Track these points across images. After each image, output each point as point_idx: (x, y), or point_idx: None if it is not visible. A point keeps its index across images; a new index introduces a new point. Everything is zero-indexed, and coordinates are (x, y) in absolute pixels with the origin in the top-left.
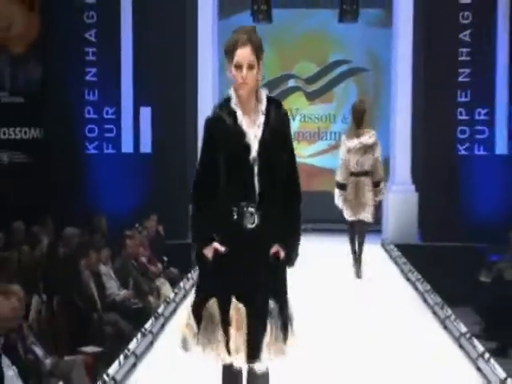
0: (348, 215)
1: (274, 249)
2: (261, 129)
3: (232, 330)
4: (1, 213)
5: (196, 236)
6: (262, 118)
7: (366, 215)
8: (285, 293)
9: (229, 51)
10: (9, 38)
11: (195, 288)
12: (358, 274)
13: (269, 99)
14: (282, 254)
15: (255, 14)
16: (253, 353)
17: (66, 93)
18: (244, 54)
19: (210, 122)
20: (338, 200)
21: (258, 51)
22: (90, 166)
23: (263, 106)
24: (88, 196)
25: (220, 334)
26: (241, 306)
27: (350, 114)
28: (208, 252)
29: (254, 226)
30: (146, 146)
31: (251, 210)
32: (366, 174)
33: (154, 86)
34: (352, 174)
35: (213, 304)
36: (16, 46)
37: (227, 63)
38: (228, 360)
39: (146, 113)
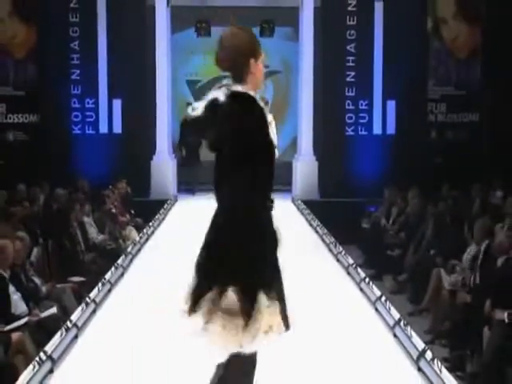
0: None
1: None
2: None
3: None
4: (8, 177)
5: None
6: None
7: None
8: None
9: (258, 49)
10: (13, 45)
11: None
12: None
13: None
14: None
15: (198, 31)
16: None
17: (56, 88)
18: None
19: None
20: None
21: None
22: (76, 143)
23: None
24: (74, 165)
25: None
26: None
27: None
28: None
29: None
30: (117, 128)
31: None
32: None
33: (124, 83)
34: None
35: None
36: (18, 52)
37: (253, 61)
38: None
39: (117, 103)
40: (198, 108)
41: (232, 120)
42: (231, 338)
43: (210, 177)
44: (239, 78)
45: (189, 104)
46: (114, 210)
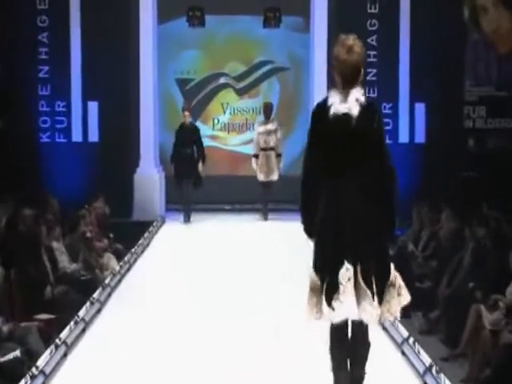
0: (261, 177)
1: None
2: None
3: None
4: None
5: None
6: None
7: (274, 177)
8: None
9: None
10: None
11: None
12: (266, 217)
13: None
14: None
15: (190, 20)
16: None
17: (20, 88)
18: None
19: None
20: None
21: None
22: (44, 153)
23: None
24: (42, 180)
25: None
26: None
27: (262, 111)
28: None
29: None
30: (93, 136)
31: None
32: (272, 149)
33: (101, 82)
34: (261, 148)
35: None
36: None
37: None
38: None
39: (93, 106)
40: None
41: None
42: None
43: (211, 194)
44: (358, 81)
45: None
46: (89, 234)
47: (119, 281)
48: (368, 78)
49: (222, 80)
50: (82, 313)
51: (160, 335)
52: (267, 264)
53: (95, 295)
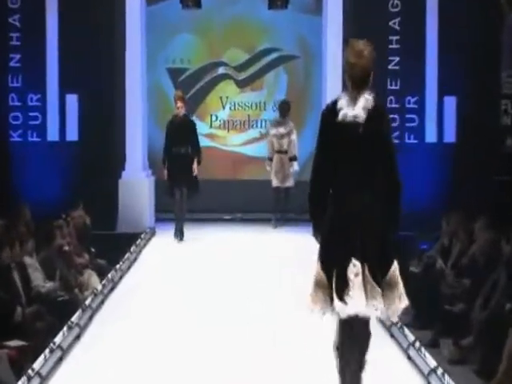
0: (274, 183)
1: None
2: None
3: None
4: None
5: None
6: None
7: (289, 183)
8: None
9: None
10: None
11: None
12: (276, 226)
13: None
14: None
15: (184, 1)
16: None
17: None
18: None
19: None
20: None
21: None
22: (15, 154)
23: None
24: (12, 185)
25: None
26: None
27: (277, 109)
28: None
29: None
30: (72, 134)
31: None
32: (285, 152)
33: (81, 72)
34: (276, 151)
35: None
36: None
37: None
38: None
39: (72, 100)
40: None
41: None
42: None
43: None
44: (367, 84)
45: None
46: (67, 248)
47: (102, 302)
48: (390, 67)
49: (221, 70)
50: (58, 339)
51: (148, 366)
52: (270, 284)
53: (74, 318)
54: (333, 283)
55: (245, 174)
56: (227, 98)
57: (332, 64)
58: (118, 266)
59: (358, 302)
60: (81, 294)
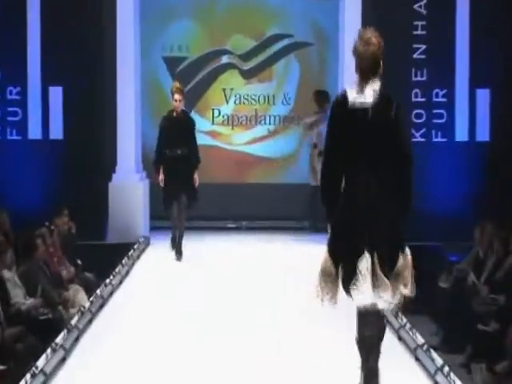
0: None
1: None
2: None
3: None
4: None
5: None
6: None
7: None
8: None
9: None
10: None
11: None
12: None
13: None
14: None
15: None
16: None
17: None
18: None
19: None
20: None
21: None
22: None
23: None
24: None
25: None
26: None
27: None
28: None
29: None
30: (56, 132)
31: None
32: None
33: (66, 62)
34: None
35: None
36: None
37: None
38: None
39: (56, 93)
40: None
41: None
42: None
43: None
44: (377, 73)
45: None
46: (50, 260)
47: (89, 321)
48: (414, 56)
49: (224, 59)
50: (41, 362)
51: None
52: (281, 310)
53: (58, 340)
54: (339, 273)
55: (251, 176)
56: (231, 90)
57: (350, 52)
58: (107, 281)
59: (364, 294)
60: (66, 312)
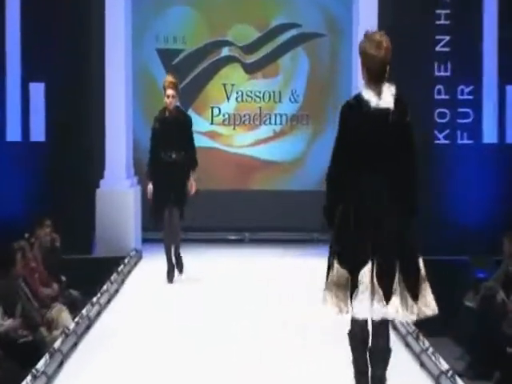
0: None
1: None
2: None
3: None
4: None
5: None
6: None
7: None
8: None
9: None
10: None
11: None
12: None
13: None
14: None
15: None
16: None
17: None
18: None
19: None
20: None
21: None
22: None
23: None
24: None
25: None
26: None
27: None
28: None
29: None
30: (37, 134)
31: None
32: None
33: (49, 55)
34: None
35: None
36: None
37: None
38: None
39: (37, 90)
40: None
41: None
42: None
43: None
44: (385, 77)
45: None
46: (30, 277)
47: (74, 344)
48: (437, 48)
49: (225, 52)
50: None
51: None
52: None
53: (40, 365)
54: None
55: (255, 182)
56: (232, 86)
57: None
58: (94, 299)
59: (364, 306)
60: (48, 334)
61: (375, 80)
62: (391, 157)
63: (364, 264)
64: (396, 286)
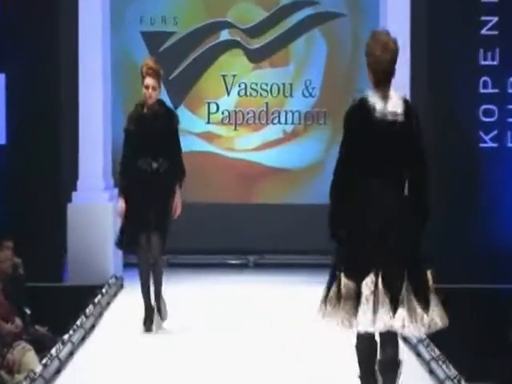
0: None
1: None
2: None
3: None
4: None
5: None
6: None
7: None
8: None
9: None
10: None
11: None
12: None
13: None
14: None
15: None
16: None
17: None
18: None
19: None
20: None
21: None
22: None
23: None
24: None
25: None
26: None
27: None
28: None
29: None
30: None
31: None
32: None
33: (11, 44)
34: None
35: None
36: None
37: None
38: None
39: None
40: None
41: None
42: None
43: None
44: (391, 79)
45: None
46: None
47: None
48: (483, 31)
49: (224, 35)
50: None
51: None
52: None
53: None
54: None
55: (260, 194)
56: (234, 77)
57: (395, 25)
58: (66, 337)
59: (367, 318)
60: (10, 379)
61: (381, 82)
62: (399, 161)
63: (369, 274)
64: (403, 296)
